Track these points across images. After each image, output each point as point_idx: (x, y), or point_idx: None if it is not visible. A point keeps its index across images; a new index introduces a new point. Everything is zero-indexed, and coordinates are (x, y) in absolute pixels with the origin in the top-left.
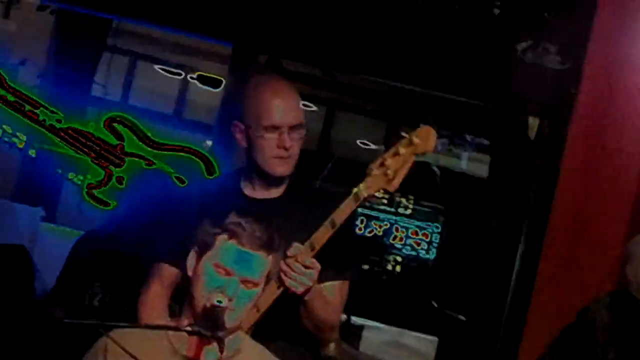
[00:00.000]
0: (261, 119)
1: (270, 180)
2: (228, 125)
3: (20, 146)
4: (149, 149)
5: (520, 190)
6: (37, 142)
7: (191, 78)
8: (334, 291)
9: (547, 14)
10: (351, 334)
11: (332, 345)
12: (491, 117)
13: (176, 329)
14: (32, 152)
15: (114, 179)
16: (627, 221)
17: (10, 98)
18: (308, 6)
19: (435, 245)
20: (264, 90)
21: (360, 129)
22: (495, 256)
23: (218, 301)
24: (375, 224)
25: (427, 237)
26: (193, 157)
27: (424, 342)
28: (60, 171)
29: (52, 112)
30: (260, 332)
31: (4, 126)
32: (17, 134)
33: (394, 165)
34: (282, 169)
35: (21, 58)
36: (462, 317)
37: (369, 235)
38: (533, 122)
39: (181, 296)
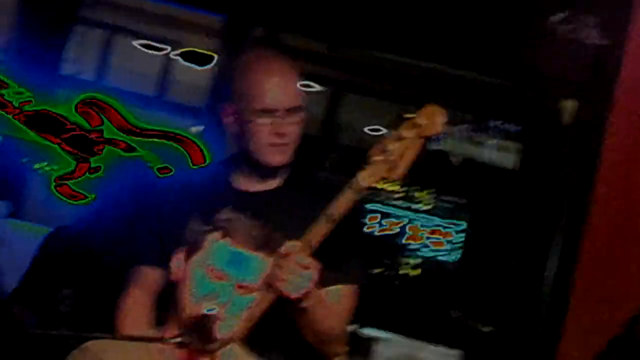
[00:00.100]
0: (253, 101)
1: (265, 171)
2: (219, 108)
3: None
4: (129, 135)
5: (555, 183)
6: (0, 128)
7: (176, 55)
8: (338, 297)
9: None
10: (360, 348)
11: None
12: (521, 100)
13: (160, 340)
14: None
15: (88, 170)
16: None
17: None
18: None
19: (457, 246)
20: (257, 67)
21: (370, 113)
22: (526, 259)
23: (209, 309)
24: (388, 222)
25: (448, 237)
26: (179, 144)
27: (445, 357)
28: (26, 161)
29: (18, 92)
30: (252, 345)
31: None
32: None
33: (397, 151)
34: (277, 158)
35: None
36: (487, 329)
37: (380, 234)
38: (569, 105)
39: (166, 303)
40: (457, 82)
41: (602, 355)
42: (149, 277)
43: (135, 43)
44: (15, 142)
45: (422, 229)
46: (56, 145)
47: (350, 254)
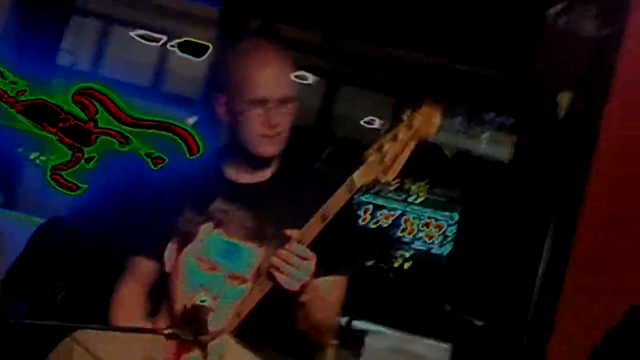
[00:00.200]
0: (244, 92)
1: (257, 162)
2: (213, 98)
3: None
4: (124, 125)
5: (549, 176)
6: None
7: (172, 45)
8: (331, 288)
9: None
10: (352, 340)
11: (329, 352)
12: (516, 91)
13: (152, 331)
14: None
15: (83, 160)
16: None
17: None
18: None
19: (450, 238)
20: (249, 58)
21: (366, 105)
22: (518, 252)
23: (201, 300)
24: (381, 214)
25: (441, 229)
26: (174, 135)
27: (436, 350)
28: (21, 150)
29: (13, 82)
30: (244, 337)
31: None
32: None
33: (392, 152)
34: (269, 148)
35: None
36: (479, 322)
37: (374, 226)
38: (565, 97)
39: (158, 294)
40: (453, 74)
41: (598, 348)
42: (143, 268)
43: (132, 33)
44: (10, 132)
45: (414, 221)
46: (53, 135)
47: (342, 245)
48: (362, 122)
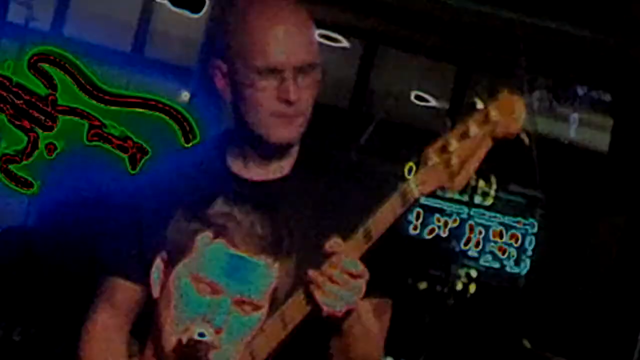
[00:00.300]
0: (252, 57)
1: (270, 151)
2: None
3: None
4: (95, 102)
5: None
6: None
7: None
8: (370, 314)
9: None
10: None
11: None
12: (613, 58)
13: None
14: None
15: (41, 147)
16: None
17: None
18: None
19: (528, 252)
20: (257, 13)
21: (416, 76)
22: (620, 270)
23: (200, 334)
24: (438, 220)
25: (516, 241)
26: (162, 115)
27: None
28: None
29: None
30: None
31: None
32: None
33: (462, 153)
34: (284, 132)
35: None
36: None
37: (428, 236)
38: None
39: (143, 327)
40: (532, 36)
41: None
42: (121, 292)
43: None
44: None
45: (482, 230)
46: (3, 116)
47: (387, 260)
48: (412, 99)
